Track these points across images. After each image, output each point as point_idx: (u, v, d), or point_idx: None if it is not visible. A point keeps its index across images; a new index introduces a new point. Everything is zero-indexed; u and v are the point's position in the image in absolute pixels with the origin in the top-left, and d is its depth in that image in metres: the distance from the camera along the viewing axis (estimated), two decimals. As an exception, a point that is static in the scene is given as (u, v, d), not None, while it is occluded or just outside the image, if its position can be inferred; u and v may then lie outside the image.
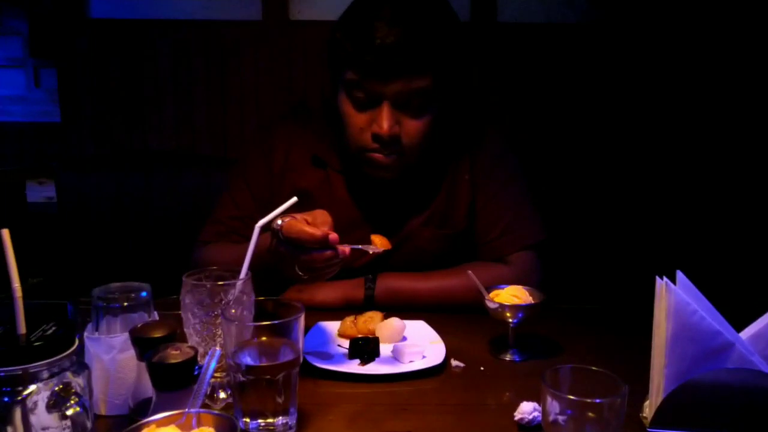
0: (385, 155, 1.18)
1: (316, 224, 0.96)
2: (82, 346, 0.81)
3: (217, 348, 0.72)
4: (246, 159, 1.37)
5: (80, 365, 0.66)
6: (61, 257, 1.82)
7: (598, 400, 0.66)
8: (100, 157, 1.97)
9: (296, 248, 0.94)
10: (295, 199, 0.93)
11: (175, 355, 0.69)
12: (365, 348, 1.00)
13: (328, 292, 1.24)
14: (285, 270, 0.99)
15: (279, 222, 0.95)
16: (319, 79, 1.99)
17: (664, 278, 0.78)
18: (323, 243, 0.92)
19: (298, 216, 0.97)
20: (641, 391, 0.82)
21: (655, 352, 0.79)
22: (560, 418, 0.70)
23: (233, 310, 0.82)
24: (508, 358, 1.03)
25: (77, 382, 0.64)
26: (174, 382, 0.68)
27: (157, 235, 1.74)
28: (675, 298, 0.75)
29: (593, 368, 0.72)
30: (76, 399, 0.60)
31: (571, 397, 0.67)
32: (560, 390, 0.71)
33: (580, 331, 1.15)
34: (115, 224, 1.75)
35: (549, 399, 0.70)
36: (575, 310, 1.25)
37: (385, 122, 1.14)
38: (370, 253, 0.96)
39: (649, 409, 0.81)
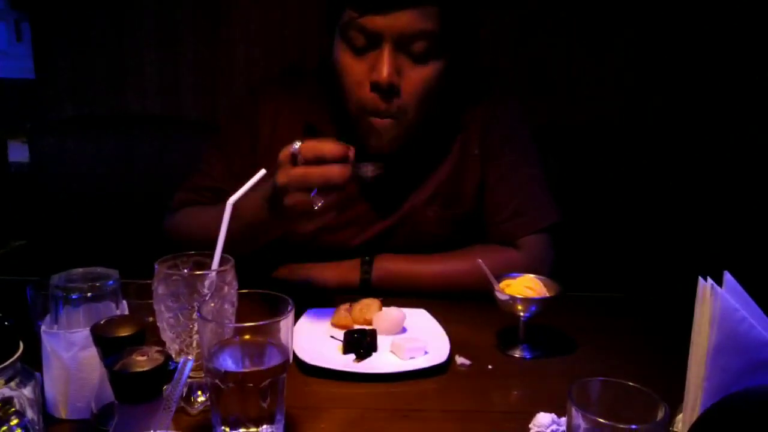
0: (384, 108, 1.07)
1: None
2: (36, 342, 0.72)
3: (190, 357, 0.62)
4: (226, 132, 1.26)
5: (26, 373, 0.55)
6: (40, 222, 1.71)
7: (634, 426, 0.57)
8: (77, 120, 1.83)
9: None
10: (263, 171, 0.86)
11: (140, 362, 0.59)
12: (361, 342, 0.91)
13: (321, 273, 1.15)
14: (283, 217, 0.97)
15: (296, 145, 0.93)
16: (316, 35, 1.82)
17: (709, 279, 0.68)
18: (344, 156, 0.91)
19: None
20: (672, 400, 0.72)
21: (693, 361, 0.70)
22: (586, 438, 0.61)
23: (212, 304, 0.72)
24: (517, 354, 0.94)
25: (22, 395, 0.54)
26: (139, 394, 0.58)
27: (139, 206, 1.63)
28: (721, 304, 0.65)
29: (628, 383, 0.62)
30: (17, 420, 0.50)
31: (603, 420, 0.57)
32: (589, 408, 0.61)
33: (598, 324, 1.05)
34: (93, 193, 1.64)
35: (575, 416, 0.61)
36: (592, 299, 1.15)
37: (385, 67, 1.03)
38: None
39: (681, 425, 0.71)
